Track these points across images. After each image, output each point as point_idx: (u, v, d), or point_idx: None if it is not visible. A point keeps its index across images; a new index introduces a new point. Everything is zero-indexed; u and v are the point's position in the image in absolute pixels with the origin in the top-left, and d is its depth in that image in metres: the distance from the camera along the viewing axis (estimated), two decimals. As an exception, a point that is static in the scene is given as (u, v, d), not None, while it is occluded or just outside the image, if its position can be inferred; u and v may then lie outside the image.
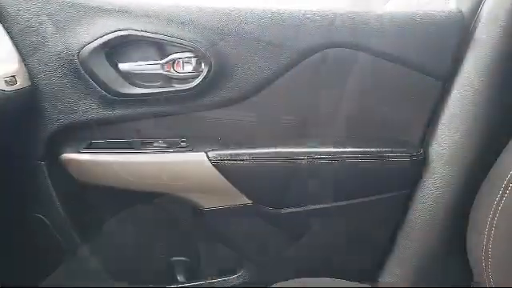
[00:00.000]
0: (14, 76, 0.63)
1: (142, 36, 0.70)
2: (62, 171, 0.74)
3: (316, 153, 0.77)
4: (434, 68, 0.78)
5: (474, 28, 0.76)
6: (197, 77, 0.72)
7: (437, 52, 0.77)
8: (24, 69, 0.66)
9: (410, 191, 0.82)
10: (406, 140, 0.81)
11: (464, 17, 0.77)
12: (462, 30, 0.76)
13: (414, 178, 0.81)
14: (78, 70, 0.69)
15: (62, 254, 0.77)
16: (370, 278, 0.86)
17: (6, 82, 0.60)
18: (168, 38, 0.70)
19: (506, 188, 0.65)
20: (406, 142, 0.81)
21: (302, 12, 0.73)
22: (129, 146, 0.74)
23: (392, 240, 0.84)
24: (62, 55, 0.69)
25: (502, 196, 0.65)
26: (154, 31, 0.70)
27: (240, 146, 0.76)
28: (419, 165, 0.80)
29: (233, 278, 0.83)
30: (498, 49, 0.74)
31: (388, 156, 0.79)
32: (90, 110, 0.72)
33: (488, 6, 0.74)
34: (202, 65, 0.72)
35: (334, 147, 0.78)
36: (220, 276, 0.84)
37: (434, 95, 0.79)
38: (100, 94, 0.71)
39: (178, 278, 0.85)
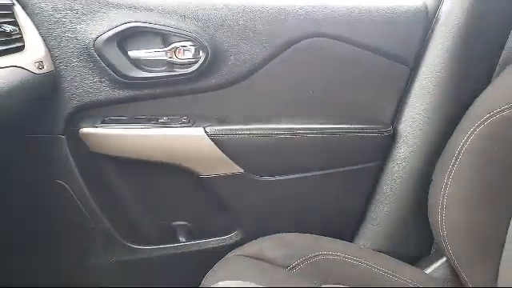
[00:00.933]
0: (42, 61, 0.74)
1: (149, 27, 0.81)
2: (79, 143, 0.86)
3: (299, 128, 0.89)
4: (402, 55, 0.89)
5: (436, 21, 0.88)
6: (195, 62, 0.84)
7: (405, 42, 0.89)
8: (49, 55, 0.78)
9: (381, 163, 0.94)
10: (378, 118, 0.93)
11: (428, 12, 0.88)
12: (426, 23, 0.88)
13: (384, 151, 0.94)
14: (94, 57, 0.81)
15: (79, 214, 0.90)
16: (352, 237, 0.99)
17: (36, 66, 0.72)
18: (171, 29, 0.82)
19: (457, 157, 0.77)
20: (378, 120, 0.93)
21: (288, 7, 0.85)
22: (137, 122, 0.86)
23: (366, 205, 0.97)
24: (81, 44, 0.80)
25: (454, 164, 0.77)
26: (158, 23, 0.81)
27: (233, 122, 0.88)
28: (389, 139, 0.93)
29: (227, 238, 0.96)
30: (456, 39, 0.85)
31: (362, 131, 0.91)
32: (103, 91, 0.84)
33: (447, 3, 0.85)
34: (200, 52, 0.83)
35: (315, 124, 0.90)
36: (215, 236, 0.97)
37: (403, 79, 0.91)
38: (112, 77, 0.83)
39: (180, 238, 0.98)
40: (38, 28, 0.77)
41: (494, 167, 0.75)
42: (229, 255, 0.77)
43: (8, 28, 0.69)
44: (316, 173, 0.93)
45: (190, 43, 0.83)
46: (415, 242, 0.96)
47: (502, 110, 0.73)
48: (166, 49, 0.83)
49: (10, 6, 0.73)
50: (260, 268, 0.71)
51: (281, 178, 0.92)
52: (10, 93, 0.65)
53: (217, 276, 0.67)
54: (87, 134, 0.85)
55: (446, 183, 0.78)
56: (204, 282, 0.68)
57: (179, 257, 0.95)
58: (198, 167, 0.89)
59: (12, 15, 0.73)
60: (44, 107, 0.81)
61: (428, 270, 0.90)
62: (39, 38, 0.77)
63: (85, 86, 0.83)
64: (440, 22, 0.87)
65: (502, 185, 0.75)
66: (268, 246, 0.77)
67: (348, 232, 0.97)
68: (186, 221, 1.00)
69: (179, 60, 0.84)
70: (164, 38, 0.84)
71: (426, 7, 0.88)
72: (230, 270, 0.69)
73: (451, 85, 0.88)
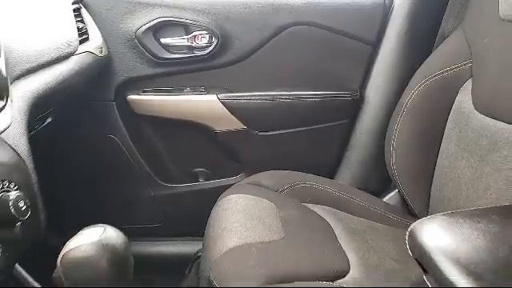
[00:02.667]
0: (101, 47, 1.05)
1: (175, 21, 1.11)
2: (126, 107, 1.18)
3: (287, 95, 1.18)
4: (365, 37, 1.17)
5: (391, 11, 1.15)
6: (209, 46, 1.13)
7: (367, 27, 1.17)
8: (105, 43, 1.09)
9: (351, 120, 1.24)
10: (348, 85, 1.21)
11: (386, 4, 1.16)
12: (383, 13, 1.16)
13: (354, 111, 1.23)
14: (136, 43, 1.11)
15: (126, 160, 1.22)
16: (332, 175, 1.28)
17: (98, 51, 1.03)
18: (191, 22, 1.11)
19: (403, 112, 1.04)
20: (348, 87, 1.21)
21: (276, 2, 1.13)
22: (167, 91, 1.17)
23: (340, 152, 1.27)
24: (126, 34, 1.11)
25: (401, 117, 1.05)
26: (182, 17, 1.11)
27: (238, 90, 1.18)
28: (357, 102, 1.22)
29: (234, 178, 1.27)
30: (405, 23, 1.13)
31: (336, 96, 1.20)
32: (142, 68, 1.15)
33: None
34: (213, 38, 1.13)
35: (300, 91, 1.19)
36: (225, 177, 1.28)
37: (367, 55, 1.19)
38: (149, 58, 1.13)
39: (200, 180, 1.30)
40: (97, 24, 1.08)
41: (427, 119, 1.03)
42: (235, 184, 1.08)
43: (80, 25, 1.00)
44: (301, 128, 1.23)
45: (205, 32, 1.13)
46: (378, 179, 1.25)
47: (435, 75, 1.00)
48: (187, 36, 1.14)
49: (79, 9, 1.03)
50: (257, 190, 1.01)
51: (274, 132, 1.23)
52: (84, 70, 0.97)
53: (226, 193, 0.98)
54: (132, 100, 1.16)
55: (395, 132, 1.06)
56: (218, 199, 0.99)
57: (199, 192, 1.27)
58: (212, 124, 1.20)
59: (80, 16, 1.03)
60: (102, 80, 1.13)
61: (384, 199, 1.20)
62: (98, 31, 1.08)
63: (129, 64, 1.14)
64: (394, 11, 1.15)
65: (432, 131, 1.03)
66: (263, 177, 1.08)
67: (327, 173, 1.27)
68: (203, 167, 1.32)
69: (197, 45, 1.14)
70: (186, 28, 1.14)
71: (383, 0, 1.16)
72: (236, 190, 0.99)
73: (403, 58, 1.16)
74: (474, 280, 0.40)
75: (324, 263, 0.76)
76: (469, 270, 0.41)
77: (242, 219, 0.85)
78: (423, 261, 0.46)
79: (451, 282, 0.41)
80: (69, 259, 0.41)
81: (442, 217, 0.50)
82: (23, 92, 0.64)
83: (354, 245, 0.87)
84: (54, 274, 0.36)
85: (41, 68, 0.73)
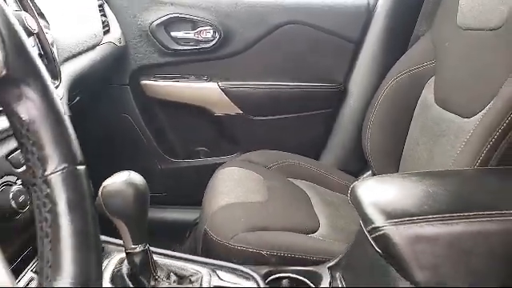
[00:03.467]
0: (120, 38, 1.23)
1: (183, 17, 1.28)
2: (139, 90, 1.35)
3: (280, 85, 1.36)
4: (349, 36, 1.34)
5: (375, 12, 1.32)
6: (213, 40, 1.31)
7: (352, 27, 1.33)
8: (123, 35, 1.26)
9: (334, 109, 1.41)
10: (333, 78, 1.38)
11: (370, 5, 1.32)
12: (366, 15, 1.32)
13: (337, 101, 1.40)
14: (149, 36, 1.29)
15: (138, 137, 1.40)
16: (317, 157, 1.45)
17: (118, 41, 1.21)
18: (197, 18, 1.29)
19: (377, 103, 1.21)
20: (333, 80, 1.38)
21: (272, 2, 1.30)
22: (175, 78, 1.34)
23: (325, 137, 1.44)
24: (141, 27, 1.28)
25: (376, 108, 1.22)
26: (189, 14, 1.28)
27: (236, 79, 1.35)
28: (341, 93, 1.39)
29: (230, 157, 1.45)
30: (386, 28, 1.30)
31: (322, 88, 1.37)
32: (154, 57, 1.32)
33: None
34: (216, 33, 1.30)
35: (290, 82, 1.36)
36: (223, 156, 1.46)
37: (350, 52, 1.36)
38: (160, 48, 1.31)
39: (201, 157, 1.48)
40: (117, 18, 1.26)
41: (398, 110, 1.20)
42: (230, 160, 1.26)
43: (103, 19, 1.17)
44: (291, 115, 1.40)
45: (209, 27, 1.30)
46: (356, 161, 1.41)
47: (406, 72, 1.17)
48: (194, 31, 1.31)
49: (102, 5, 1.21)
50: (249, 165, 1.19)
51: (267, 118, 1.40)
52: (105, 58, 1.15)
53: (223, 166, 1.16)
54: (144, 85, 1.34)
55: (371, 120, 1.23)
56: (216, 171, 1.17)
57: (199, 168, 1.45)
58: (213, 108, 1.38)
59: (103, 11, 1.21)
60: (119, 67, 1.30)
61: (360, 177, 1.37)
62: (117, 24, 1.25)
63: (143, 54, 1.31)
64: (375, 14, 1.31)
65: (401, 120, 1.19)
66: (255, 155, 1.25)
67: (312, 154, 1.44)
68: (204, 146, 1.50)
69: (202, 38, 1.31)
70: (193, 24, 1.31)
71: (368, 2, 1.32)
72: (231, 164, 1.17)
73: (382, 56, 1.33)
74: (387, 218, 0.57)
75: (298, 221, 0.94)
76: (385, 210, 0.59)
77: (234, 185, 1.03)
78: (357, 209, 0.63)
79: (370, 219, 0.58)
80: (106, 191, 0.58)
81: (377, 177, 0.68)
82: (66, 74, 0.82)
83: (326, 212, 1.05)
84: (96, 202, 0.53)
85: (78, 55, 0.91)
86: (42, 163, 0.31)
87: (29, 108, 0.31)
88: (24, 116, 0.31)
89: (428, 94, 1.10)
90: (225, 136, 1.46)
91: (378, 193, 0.64)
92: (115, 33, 1.23)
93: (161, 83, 1.34)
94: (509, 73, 0.79)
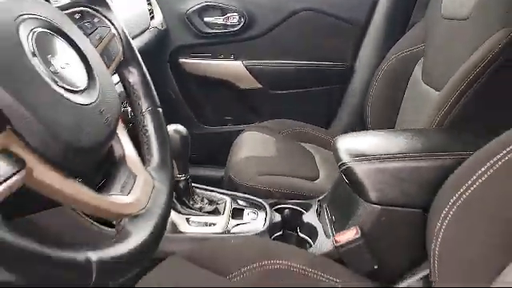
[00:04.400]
0: (162, 23, 1.50)
1: (214, 5, 1.54)
2: (178, 67, 1.63)
3: (294, 63, 1.60)
4: (356, 21, 1.56)
5: (378, 1, 1.52)
6: (238, 24, 1.56)
7: (358, 13, 1.55)
8: (164, 20, 1.53)
9: (342, 84, 1.64)
10: (341, 57, 1.61)
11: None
12: (371, 2, 1.53)
13: (345, 78, 1.63)
14: (185, 21, 1.55)
15: (175, 105, 1.68)
16: (326, 127, 1.69)
17: (161, 25, 1.48)
18: (226, 6, 1.54)
19: (376, 80, 1.44)
20: (342, 59, 1.61)
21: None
22: (207, 56, 1.61)
23: (334, 110, 1.68)
24: (180, 14, 1.55)
25: (375, 84, 1.44)
26: (219, 2, 1.53)
27: (257, 58, 1.60)
28: (348, 70, 1.61)
29: (253, 125, 1.71)
30: (387, 14, 1.51)
31: (332, 65, 1.60)
32: (190, 39, 1.59)
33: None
34: (241, 18, 1.55)
35: (303, 60, 1.60)
36: (246, 124, 1.72)
37: (356, 35, 1.58)
38: (194, 32, 1.57)
39: (228, 124, 1.75)
40: (159, 5, 1.52)
41: (392, 85, 1.42)
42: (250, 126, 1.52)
43: (149, 7, 1.44)
44: (304, 89, 1.65)
45: (235, 14, 1.55)
46: (360, 129, 1.64)
47: (400, 53, 1.38)
48: (223, 17, 1.56)
49: (147, -5, 1.47)
50: (265, 130, 1.41)
51: (283, 91, 1.65)
52: (151, 40, 1.42)
53: (243, 132, 1.40)
54: (182, 62, 1.62)
55: (371, 94, 1.46)
56: (238, 136, 1.41)
57: (225, 134, 1.71)
58: (238, 83, 1.64)
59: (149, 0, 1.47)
60: (161, 47, 1.58)
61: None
62: (160, 11, 1.52)
63: (181, 36, 1.58)
64: (379, 1, 1.52)
65: (396, 94, 1.41)
66: (270, 123, 1.50)
67: (323, 124, 1.68)
68: (230, 116, 1.77)
69: (230, 23, 1.56)
70: (222, 10, 1.56)
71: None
72: (249, 129, 1.41)
73: (383, 38, 1.54)
74: (351, 157, 0.82)
75: (301, 170, 1.20)
76: (351, 152, 0.83)
77: (251, 144, 1.30)
78: (334, 154, 0.88)
79: (340, 158, 0.83)
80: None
81: (354, 133, 0.92)
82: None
83: (326, 167, 1.30)
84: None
85: (135, 37, 1.19)
86: (140, 106, 0.58)
87: (133, 76, 0.58)
88: (131, 81, 0.58)
89: (417, 72, 1.32)
90: (247, 107, 1.72)
91: (350, 142, 0.88)
92: (158, 18, 1.50)
93: (195, 61, 1.61)
94: (469, 55, 1.00)
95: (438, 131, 0.92)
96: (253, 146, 1.30)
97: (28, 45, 0.38)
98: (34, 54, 0.38)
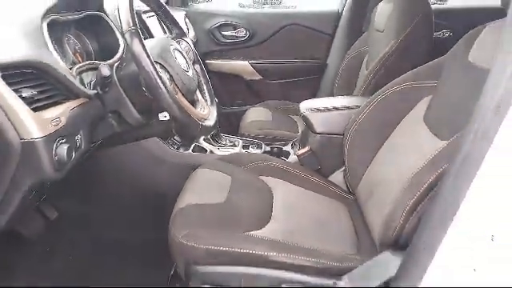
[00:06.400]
0: (194, 36, 2.23)
1: (229, 23, 2.27)
2: (204, 67, 2.36)
3: (283, 61, 2.32)
4: (326, 31, 2.27)
5: (341, 15, 2.24)
6: (245, 36, 2.28)
7: (328, 25, 2.26)
8: (195, 35, 2.26)
9: (319, 76, 2.35)
10: (317, 56, 2.32)
11: (339, 11, 2.25)
12: (337, 16, 2.24)
13: (321, 70, 2.33)
14: (209, 34, 2.28)
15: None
16: None
17: (194, 38, 2.21)
18: (236, 23, 2.27)
19: (341, 69, 2.15)
20: (317, 57, 2.32)
21: (278, 11, 2.25)
22: (224, 58, 2.34)
23: (313, 95, 2.39)
24: (205, 30, 2.28)
25: (342, 68, 2.15)
26: (232, 21, 2.26)
27: (259, 58, 2.33)
28: (322, 67, 2.32)
29: (255, 105, 2.43)
30: (348, 23, 2.22)
31: (310, 62, 2.32)
32: (212, 47, 2.31)
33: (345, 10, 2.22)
34: (247, 32, 2.28)
35: (290, 59, 2.32)
36: (250, 105, 2.44)
37: (328, 40, 2.29)
38: (216, 41, 2.30)
39: (238, 106, 2.47)
40: (192, 24, 2.25)
41: (351, 75, 2.13)
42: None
43: (185, 26, 2.17)
44: (292, 79, 2.36)
45: (243, 28, 2.28)
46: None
47: (354, 53, 2.10)
48: (234, 31, 2.29)
49: (185, 17, 2.20)
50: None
51: (276, 81, 2.37)
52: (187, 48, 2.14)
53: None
54: (207, 63, 2.34)
55: (336, 84, 2.17)
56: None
57: (237, 112, 2.43)
58: (245, 76, 2.37)
59: (185, 20, 2.20)
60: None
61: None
62: (192, 28, 2.25)
63: (206, 44, 2.31)
64: (342, 16, 2.23)
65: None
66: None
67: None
68: (240, 99, 2.48)
69: (239, 35, 2.29)
70: (234, 26, 2.29)
71: (338, 10, 2.25)
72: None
73: (345, 42, 2.25)
74: (307, 109, 1.53)
75: (284, 126, 1.91)
76: (307, 107, 1.54)
77: (255, 116, 2.02)
78: (300, 113, 1.59)
79: (300, 111, 1.54)
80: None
81: (315, 99, 1.64)
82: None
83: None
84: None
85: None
86: (201, 81, 1.32)
87: (200, 70, 1.32)
88: (199, 72, 1.32)
89: (364, 63, 2.02)
90: (252, 93, 2.44)
91: (309, 103, 1.58)
92: (191, 33, 2.23)
93: (216, 62, 2.34)
94: (383, 51, 1.71)
95: (359, 96, 1.62)
96: (257, 116, 2.02)
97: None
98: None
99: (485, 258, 0.62)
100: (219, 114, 1.31)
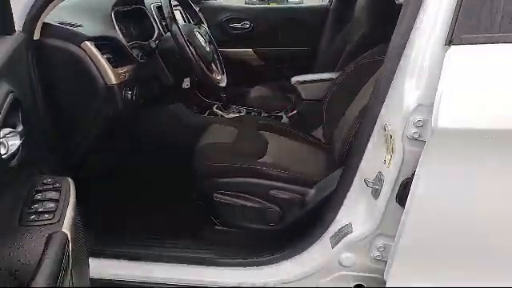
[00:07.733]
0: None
1: (235, 17, 2.74)
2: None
3: (280, 49, 2.78)
4: (315, 24, 2.72)
5: (330, 9, 2.69)
6: (249, 28, 2.75)
7: (317, 18, 2.71)
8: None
9: (311, 60, 2.80)
10: (308, 44, 2.77)
11: (327, 5, 2.70)
12: (325, 10, 2.69)
13: (312, 56, 2.79)
14: (220, 26, 2.75)
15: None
16: None
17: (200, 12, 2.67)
18: (241, 17, 2.74)
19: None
20: (309, 45, 2.76)
21: (275, 7, 2.71)
22: (233, 46, 2.80)
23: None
24: (218, 22, 2.74)
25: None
26: (238, 15, 2.73)
27: (259, 46, 2.79)
28: (311, 53, 2.77)
29: (258, 86, 2.89)
30: (334, 15, 2.67)
31: (302, 50, 2.77)
32: (224, 36, 2.77)
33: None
34: (250, 24, 2.74)
35: (286, 47, 2.78)
36: (254, 85, 2.90)
37: (316, 31, 2.74)
38: (226, 32, 2.77)
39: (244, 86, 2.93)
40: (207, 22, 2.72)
41: (336, 57, 2.58)
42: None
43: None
44: (289, 63, 2.82)
45: (247, 21, 2.74)
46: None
47: (339, 40, 2.54)
48: (240, 23, 2.76)
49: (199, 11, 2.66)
50: (267, 86, 2.59)
51: (277, 66, 2.83)
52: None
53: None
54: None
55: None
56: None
57: (244, 91, 2.89)
58: (250, 61, 2.83)
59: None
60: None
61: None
62: (205, 21, 2.72)
63: (217, 35, 2.71)
64: (330, 9, 2.69)
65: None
66: (269, 84, 2.67)
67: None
68: (246, 81, 2.94)
69: (244, 27, 2.76)
70: (239, 20, 2.76)
71: (327, 5, 2.70)
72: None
73: (332, 32, 2.69)
74: (296, 83, 1.99)
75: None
76: (297, 80, 1.99)
77: (258, 93, 2.48)
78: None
79: (291, 84, 1.99)
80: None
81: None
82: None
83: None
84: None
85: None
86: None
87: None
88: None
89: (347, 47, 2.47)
90: (255, 75, 2.89)
91: (298, 77, 2.04)
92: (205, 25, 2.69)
93: (225, 49, 2.79)
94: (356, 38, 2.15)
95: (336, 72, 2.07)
96: (259, 93, 2.49)
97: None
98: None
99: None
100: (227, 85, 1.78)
